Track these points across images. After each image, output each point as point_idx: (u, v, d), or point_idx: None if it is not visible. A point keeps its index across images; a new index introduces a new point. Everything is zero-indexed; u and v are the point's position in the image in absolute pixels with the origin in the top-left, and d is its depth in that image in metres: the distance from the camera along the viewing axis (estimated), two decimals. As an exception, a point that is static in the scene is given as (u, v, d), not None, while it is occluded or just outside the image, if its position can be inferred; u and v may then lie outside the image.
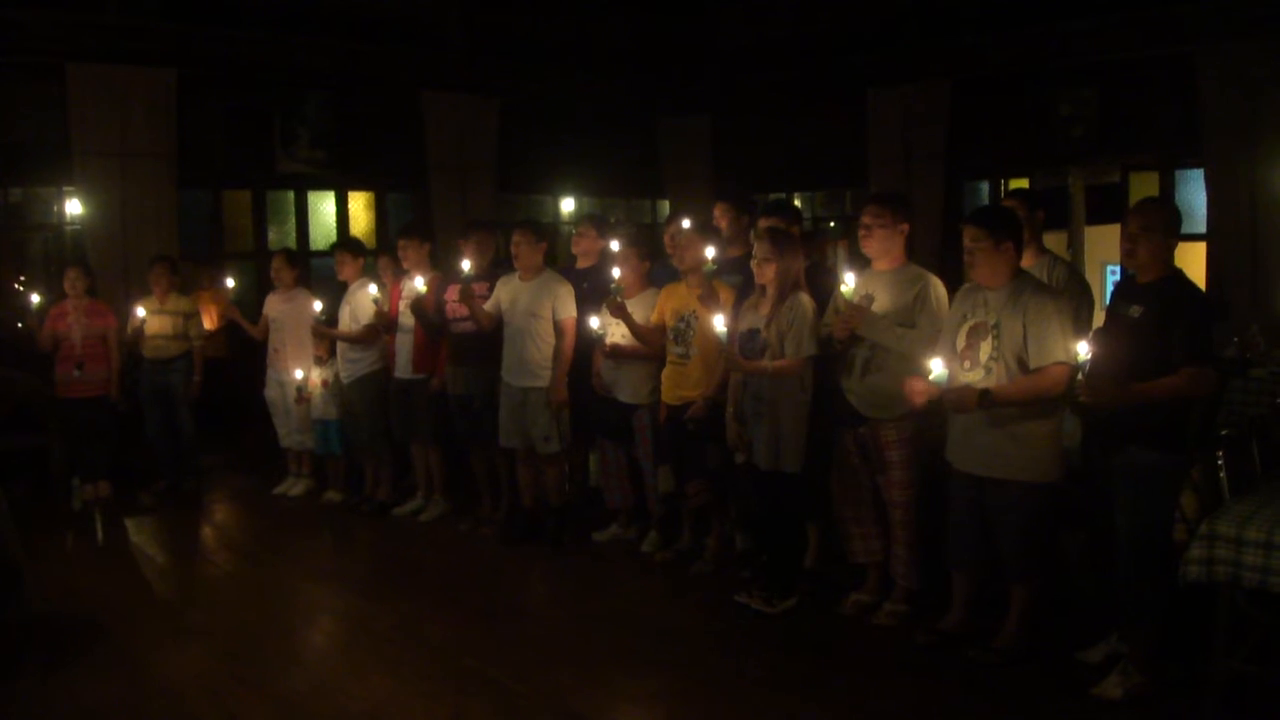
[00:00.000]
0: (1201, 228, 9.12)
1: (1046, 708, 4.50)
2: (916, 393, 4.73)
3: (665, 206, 13.43)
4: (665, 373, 6.29)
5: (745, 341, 5.60)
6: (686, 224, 6.39)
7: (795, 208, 7.99)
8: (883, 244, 5.36)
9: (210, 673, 5.17)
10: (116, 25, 9.15)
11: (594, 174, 12.52)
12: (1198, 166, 9.10)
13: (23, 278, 9.80)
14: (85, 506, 8.12)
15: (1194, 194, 9.23)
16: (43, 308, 8.08)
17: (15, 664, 5.17)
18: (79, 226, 9.48)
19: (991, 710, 4.52)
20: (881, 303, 5.25)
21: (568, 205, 13.10)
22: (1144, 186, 9.54)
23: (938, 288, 5.27)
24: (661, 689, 4.89)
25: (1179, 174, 9.49)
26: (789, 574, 5.71)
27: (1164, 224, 4.48)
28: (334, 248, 8.36)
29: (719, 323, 5.52)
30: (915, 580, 5.40)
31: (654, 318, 6.38)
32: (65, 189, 9.53)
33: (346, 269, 7.97)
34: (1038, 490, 4.71)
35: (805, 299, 5.47)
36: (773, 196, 12.22)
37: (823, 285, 5.73)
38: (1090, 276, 8.99)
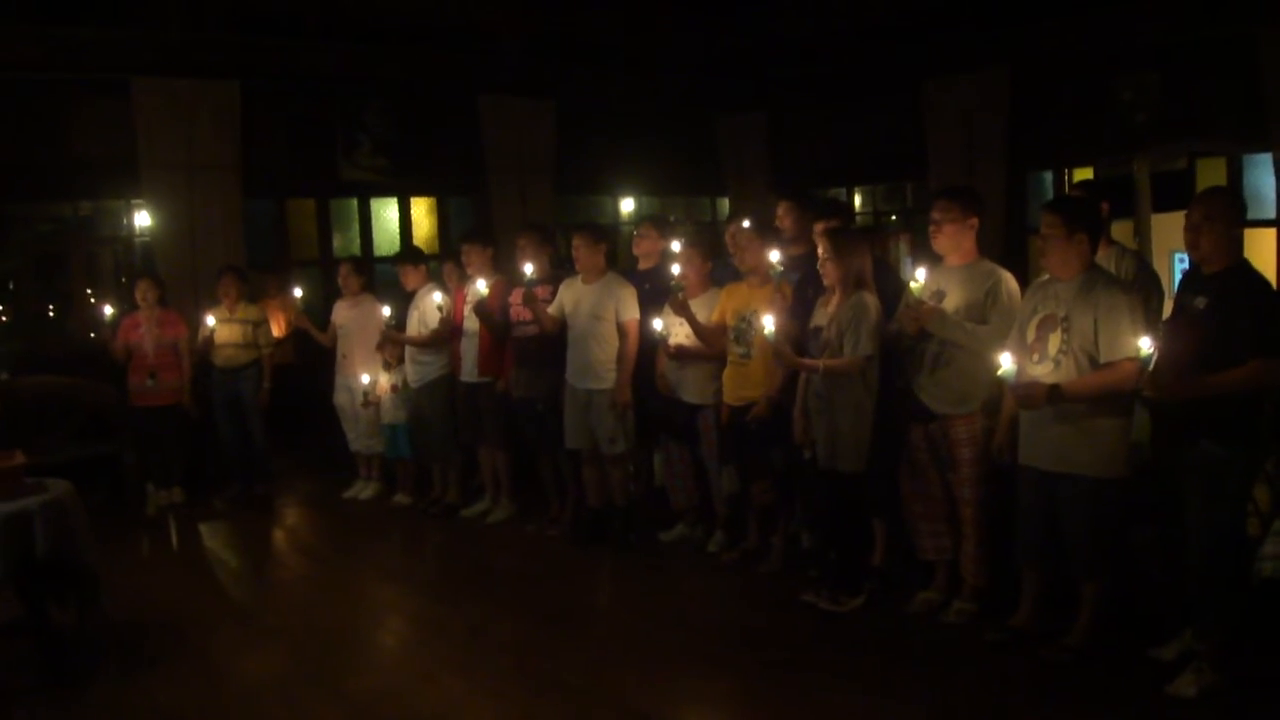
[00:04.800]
0: (1271, 213, 8.94)
1: (1120, 706, 4.44)
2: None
3: (725, 204, 13.41)
4: (727, 373, 6.29)
5: (811, 339, 5.61)
6: (746, 224, 6.39)
7: (847, 205, 7.92)
8: (953, 239, 5.33)
9: (285, 675, 5.26)
10: (179, 40, 9.29)
11: (652, 173, 12.52)
12: (1265, 150, 8.92)
13: (93, 290, 10.01)
14: (159, 512, 8.28)
15: (1263, 179, 9.05)
16: (115, 319, 8.24)
17: (94, 669, 5.28)
18: (148, 238, 9.64)
19: (1064, 708, 4.47)
20: (954, 298, 5.22)
21: (627, 205, 13.13)
22: (1211, 172, 9.35)
23: (1010, 283, 5.23)
24: (730, 689, 4.91)
25: (1247, 159, 9.30)
26: (856, 572, 5.69)
27: (1227, 213, 4.41)
28: (395, 261, 8.49)
29: (768, 322, 5.51)
30: (984, 578, 5.36)
31: (715, 317, 6.38)
32: (134, 202, 9.71)
33: (410, 278, 8.08)
34: (1106, 485, 4.65)
35: (869, 298, 5.44)
36: (832, 191, 12.18)
37: (883, 280, 5.71)
38: (1157, 265, 8.81)
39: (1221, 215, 4.39)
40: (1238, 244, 4.45)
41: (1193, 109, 9.31)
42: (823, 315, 5.60)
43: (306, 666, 5.33)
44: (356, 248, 11.09)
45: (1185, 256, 4.66)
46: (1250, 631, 4.47)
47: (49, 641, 5.30)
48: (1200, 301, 4.40)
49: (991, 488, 5.28)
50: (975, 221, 5.36)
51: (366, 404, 8.14)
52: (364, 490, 8.65)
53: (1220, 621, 4.40)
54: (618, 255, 11.10)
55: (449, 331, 7.66)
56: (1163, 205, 9.76)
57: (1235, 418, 4.29)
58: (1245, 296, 4.29)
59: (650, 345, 6.71)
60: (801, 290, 5.95)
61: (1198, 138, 9.27)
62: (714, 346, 6.36)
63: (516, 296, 7.14)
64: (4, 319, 10.30)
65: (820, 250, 5.60)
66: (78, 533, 5.35)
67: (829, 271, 5.53)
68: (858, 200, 12.76)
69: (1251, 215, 7.21)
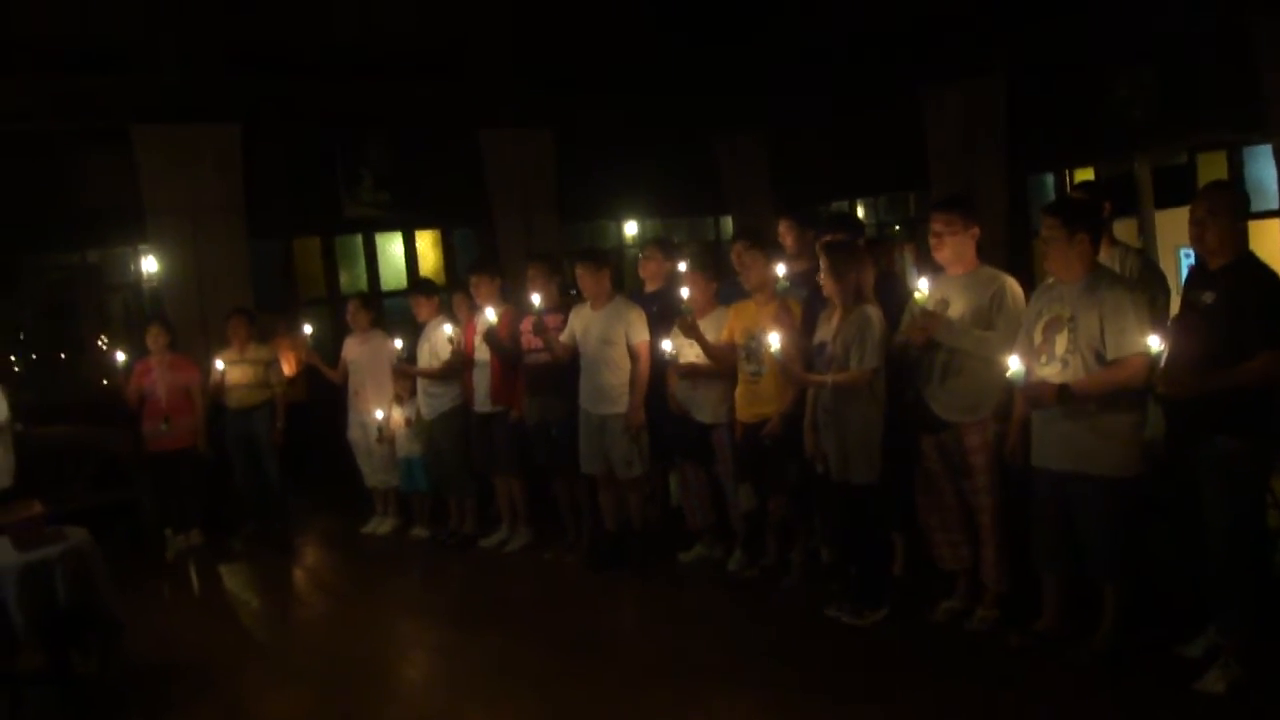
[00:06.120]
0: (1274, 204, 8.94)
1: (1148, 705, 4.43)
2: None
3: (729, 223, 13.44)
4: (739, 391, 6.30)
5: (816, 354, 5.61)
6: (749, 243, 6.41)
7: (855, 219, 7.94)
8: (956, 251, 5.33)
9: (311, 713, 5.29)
10: (177, 86, 9.36)
11: (655, 195, 12.55)
12: (1265, 141, 8.92)
13: (104, 338, 10.06)
14: (178, 556, 8.30)
15: (1264, 169, 9.05)
16: (127, 365, 8.27)
17: (119, 713, 5.30)
18: (156, 284, 9.69)
19: (1093, 710, 4.46)
20: (958, 307, 5.23)
21: (631, 229, 13.16)
22: (1212, 166, 9.36)
23: (1014, 288, 5.23)
24: (756, 707, 4.89)
25: (1247, 150, 9.30)
26: (877, 585, 5.68)
27: (1230, 207, 4.41)
28: (408, 292, 8.52)
29: (773, 340, 5.53)
30: (1006, 583, 5.34)
31: (724, 336, 6.39)
32: (140, 248, 9.76)
33: (423, 310, 8.11)
34: (1121, 484, 4.64)
35: (872, 311, 5.45)
36: (834, 205, 12.19)
37: (890, 292, 5.72)
38: (1163, 261, 8.84)
39: (1225, 209, 4.39)
40: (1242, 237, 4.45)
41: (1191, 103, 9.31)
42: (826, 330, 5.61)
43: (332, 704, 5.34)
44: (363, 284, 11.13)
45: (1191, 252, 4.66)
46: (1276, 624, 4.45)
47: (73, 689, 5.31)
48: (1208, 296, 4.39)
49: (1007, 493, 5.26)
50: (976, 230, 5.37)
51: (381, 439, 8.16)
52: (381, 525, 8.66)
53: (1245, 616, 4.38)
54: (624, 279, 11.12)
55: (461, 363, 7.68)
56: (1165, 201, 9.77)
57: (1249, 411, 4.28)
58: (1253, 289, 4.28)
59: (662, 366, 6.72)
60: (811, 307, 5.97)
61: (1197, 132, 9.28)
62: (724, 365, 6.37)
63: (526, 324, 7.15)
64: (16, 369, 10.35)
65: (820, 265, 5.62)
66: (98, 579, 5.37)
67: (827, 286, 5.54)
68: (860, 212, 12.78)
69: (1254, 207, 7.22)
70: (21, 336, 10.65)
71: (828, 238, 5.88)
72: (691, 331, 6.30)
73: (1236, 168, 9.27)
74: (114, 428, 8.65)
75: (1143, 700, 4.47)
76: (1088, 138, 10.03)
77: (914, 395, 5.40)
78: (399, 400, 8.21)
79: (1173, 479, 4.67)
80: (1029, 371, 4.67)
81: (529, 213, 11.38)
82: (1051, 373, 4.69)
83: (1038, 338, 4.82)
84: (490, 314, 7.14)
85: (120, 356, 8.24)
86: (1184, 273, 7.44)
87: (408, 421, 8.15)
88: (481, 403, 7.62)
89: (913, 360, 5.37)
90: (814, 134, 12.32)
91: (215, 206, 9.51)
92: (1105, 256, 5.32)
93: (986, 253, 5.52)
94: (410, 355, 7.96)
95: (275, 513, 8.68)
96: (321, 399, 9.31)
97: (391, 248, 11.64)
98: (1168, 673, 4.59)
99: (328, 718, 5.17)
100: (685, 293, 6.35)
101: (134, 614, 5.93)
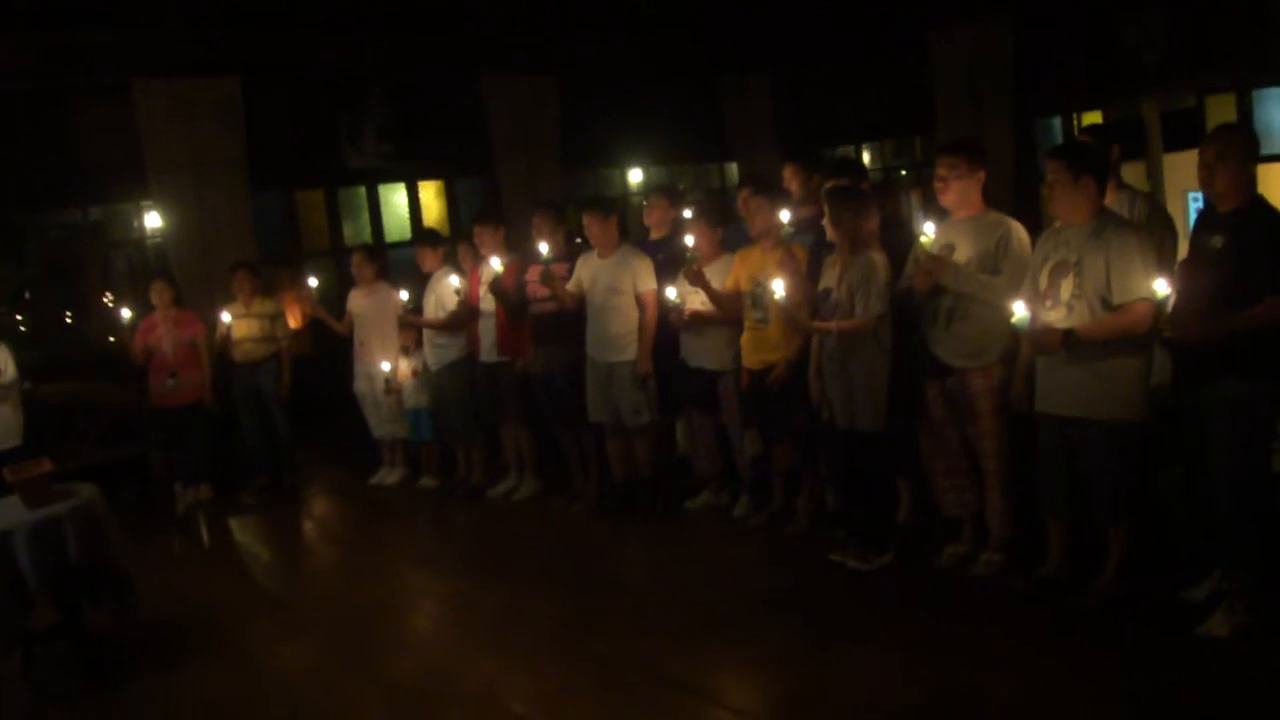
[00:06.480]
0: (1283, 147, 8.86)
1: (1152, 648, 4.44)
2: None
3: (733, 169, 13.36)
4: (745, 337, 6.28)
5: (821, 301, 5.59)
6: (754, 189, 6.37)
7: (859, 164, 7.87)
8: (961, 194, 5.28)
9: (322, 662, 5.32)
10: (178, 38, 9.29)
11: (659, 142, 12.46)
12: (1275, 84, 8.83)
13: (109, 294, 10.06)
14: (188, 510, 8.34)
15: (1273, 112, 8.96)
16: (133, 322, 8.28)
17: (133, 667, 5.35)
18: (160, 239, 9.68)
19: (1096, 654, 4.47)
20: (963, 251, 5.19)
21: (635, 176, 13.09)
22: (1221, 108, 9.27)
23: (1019, 232, 5.19)
24: (763, 653, 4.91)
25: (1257, 93, 9.21)
26: (882, 530, 5.70)
27: (1240, 150, 4.36)
28: (414, 242, 8.49)
29: (778, 286, 5.51)
30: (1011, 528, 5.34)
31: (729, 283, 6.37)
32: (143, 204, 9.73)
33: (428, 260, 8.09)
34: (1126, 429, 4.63)
35: (877, 257, 5.42)
36: (840, 150, 12.11)
37: (896, 237, 5.68)
38: (1171, 205, 8.77)
39: (1235, 152, 4.34)
40: (1252, 181, 4.41)
41: (1199, 45, 9.21)
42: (830, 276, 5.58)
43: (344, 652, 5.39)
44: (367, 235, 11.12)
45: (1200, 195, 4.62)
46: (1281, 568, 4.46)
47: (86, 644, 5.35)
48: (1217, 240, 4.36)
49: (1012, 437, 5.25)
50: (982, 174, 5.32)
51: (389, 391, 8.18)
52: (389, 476, 8.69)
53: (1250, 560, 4.38)
54: (628, 227, 11.08)
55: (467, 313, 7.67)
56: (1174, 144, 9.69)
57: (1257, 354, 4.25)
58: (1262, 233, 4.24)
59: (666, 314, 6.70)
60: (816, 253, 5.94)
61: (1206, 74, 9.18)
62: (730, 312, 6.35)
63: (532, 274, 7.13)
64: (22, 328, 10.37)
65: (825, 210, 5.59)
66: (108, 535, 5.40)
67: (832, 232, 5.52)
68: (866, 157, 12.70)
69: (1264, 150, 7.17)
70: (26, 295, 10.66)
71: (832, 183, 5.84)
72: (697, 279, 6.28)
73: (1246, 110, 9.17)
74: (121, 384, 8.68)
75: (1145, 643, 4.48)
76: (1095, 81, 9.94)
77: (919, 341, 5.38)
78: (405, 351, 8.21)
79: (1179, 423, 4.65)
80: (1034, 317, 4.65)
81: (532, 161, 11.32)
82: (1057, 318, 4.67)
83: (1043, 282, 4.80)
84: (496, 264, 7.12)
85: (125, 313, 8.24)
86: (1193, 216, 7.41)
87: (414, 372, 8.15)
88: (488, 353, 7.61)
89: (918, 305, 5.35)
90: (819, 78, 12.21)
91: (217, 160, 9.47)
92: (1113, 200, 5.28)
93: (993, 197, 5.48)
94: (416, 306, 7.95)
95: (283, 465, 8.72)
96: (327, 351, 9.32)
97: (395, 199, 11.61)
98: (1172, 617, 4.60)
99: (338, 667, 5.20)
100: (690, 240, 6.33)
101: (145, 569, 5.97)
